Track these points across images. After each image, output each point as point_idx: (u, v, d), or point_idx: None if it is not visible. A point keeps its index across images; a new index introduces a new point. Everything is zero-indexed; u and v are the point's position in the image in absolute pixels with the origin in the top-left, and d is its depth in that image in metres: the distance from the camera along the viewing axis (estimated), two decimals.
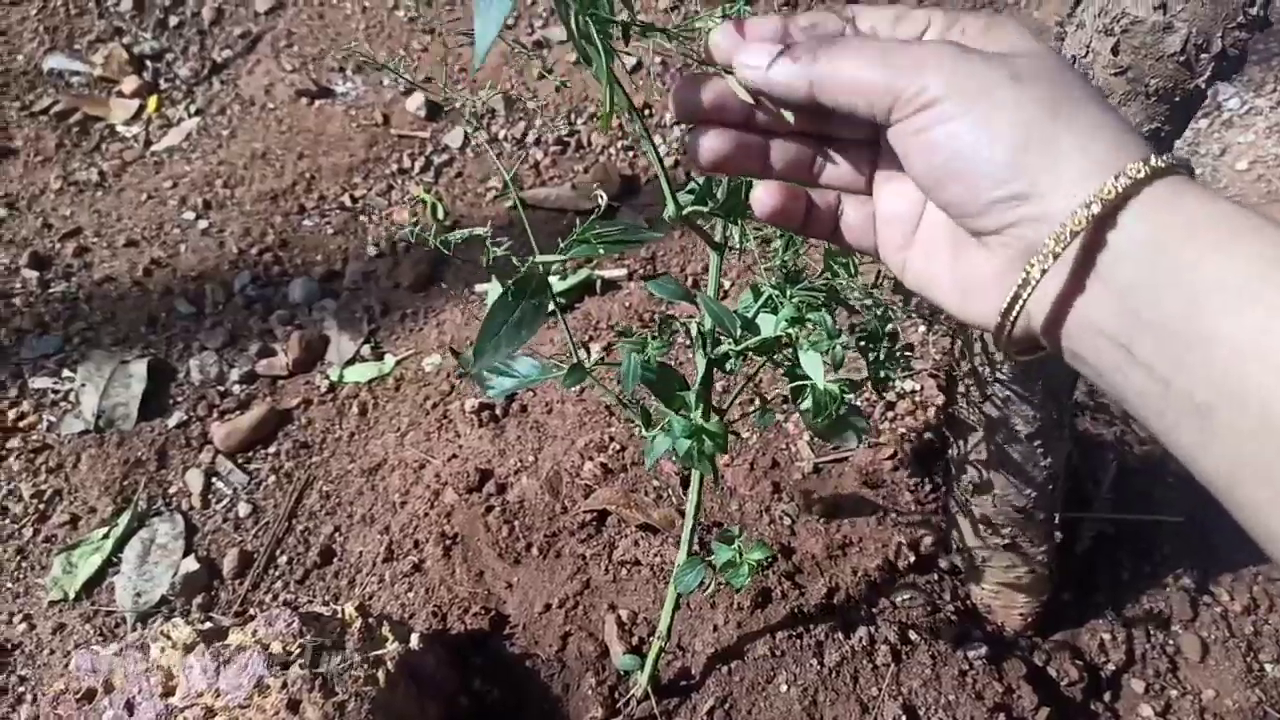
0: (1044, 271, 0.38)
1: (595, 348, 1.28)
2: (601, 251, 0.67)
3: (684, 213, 0.64)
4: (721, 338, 0.69)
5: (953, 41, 0.41)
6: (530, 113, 1.67)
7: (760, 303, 0.70)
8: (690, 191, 0.66)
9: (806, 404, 0.68)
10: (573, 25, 0.53)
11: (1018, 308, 0.39)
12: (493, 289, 1.41)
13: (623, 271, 1.42)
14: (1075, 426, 1.04)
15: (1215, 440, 0.35)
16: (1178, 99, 0.52)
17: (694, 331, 0.72)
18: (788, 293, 0.68)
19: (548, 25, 1.81)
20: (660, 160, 0.60)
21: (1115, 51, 0.51)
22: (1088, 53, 0.53)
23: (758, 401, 1.03)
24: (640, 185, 1.59)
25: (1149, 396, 0.36)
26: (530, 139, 1.62)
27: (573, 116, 1.66)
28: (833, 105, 0.41)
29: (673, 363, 1.03)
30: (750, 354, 0.69)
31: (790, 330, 0.66)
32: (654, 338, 0.69)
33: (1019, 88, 0.38)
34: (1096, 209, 0.36)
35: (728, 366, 0.71)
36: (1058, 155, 0.37)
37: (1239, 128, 1.61)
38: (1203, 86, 0.51)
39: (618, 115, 0.54)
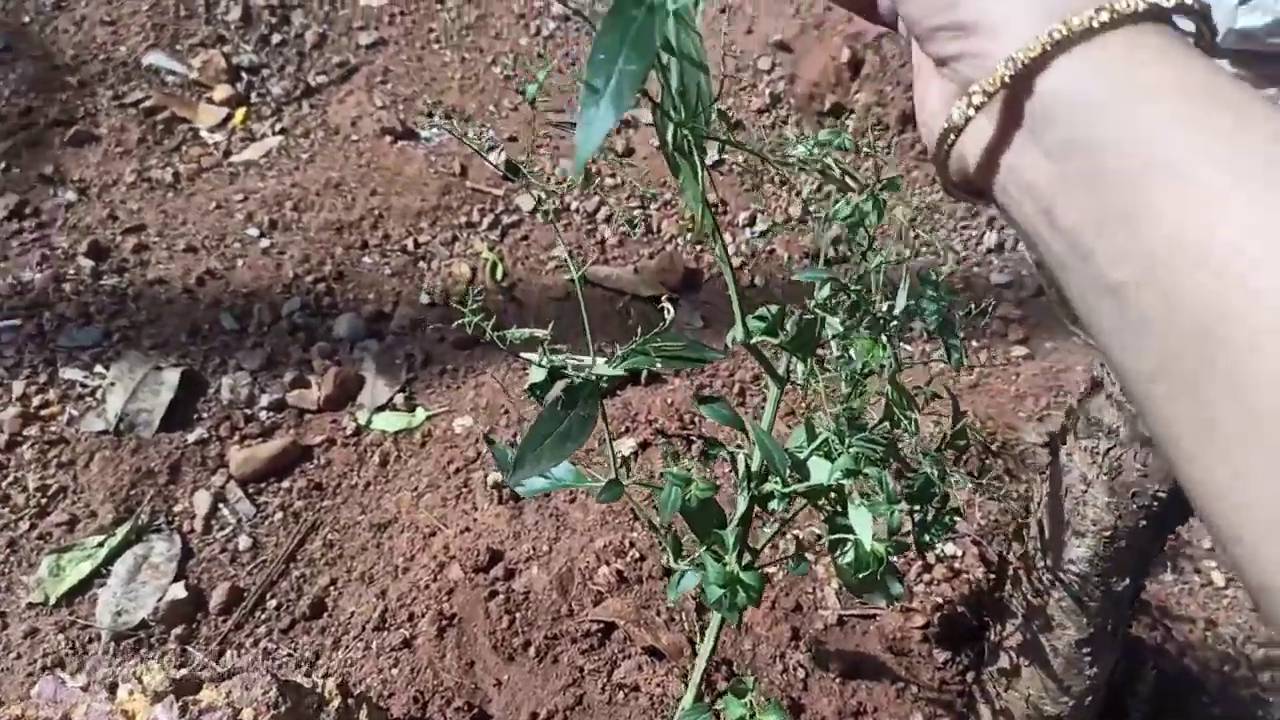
0: (967, 118, 0.34)
1: (630, 442, 1.24)
2: (659, 365, 0.64)
3: (752, 341, 0.61)
4: (768, 475, 0.65)
5: None
6: (605, 190, 1.66)
7: (815, 445, 0.66)
8: (760, 318, 0.63)
9: (846, 558, 0.64)
10: (669, 138, 0.51)
11: (945, 146, 0.35)
12: (536, 366, 1.38)
13: (656, 368, 1.39)
14: (1128, 635, 0.98)
15: (1133, 333, 0.30)
16: None
17: (740, 466, 0.69)
18: (845, 439, 0.64)
19: (638, 104, 1.81)
20: (735, 282, 0.57)
21: None
22: None
23: (792, 542, 0.99)
24: (702, 281, 1.56)
25: (1070, 271, 0.32)
26: (601, 215, 1.61)
27: (646, 201, 1.65)
28: None
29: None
30: (792, 498, 0.66)
31: (844, 481, 0.63)
32: (699, 459, 0.65)
33: None
34: (1024, 57, 0.31)
35: (770, 506, 0.67)
36: None
37: None
38: None
39: (704, 233, 0.51)
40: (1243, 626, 1.15)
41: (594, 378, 0.60)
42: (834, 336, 0.62)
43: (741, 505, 0.67)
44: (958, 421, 0.70)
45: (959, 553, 1.04)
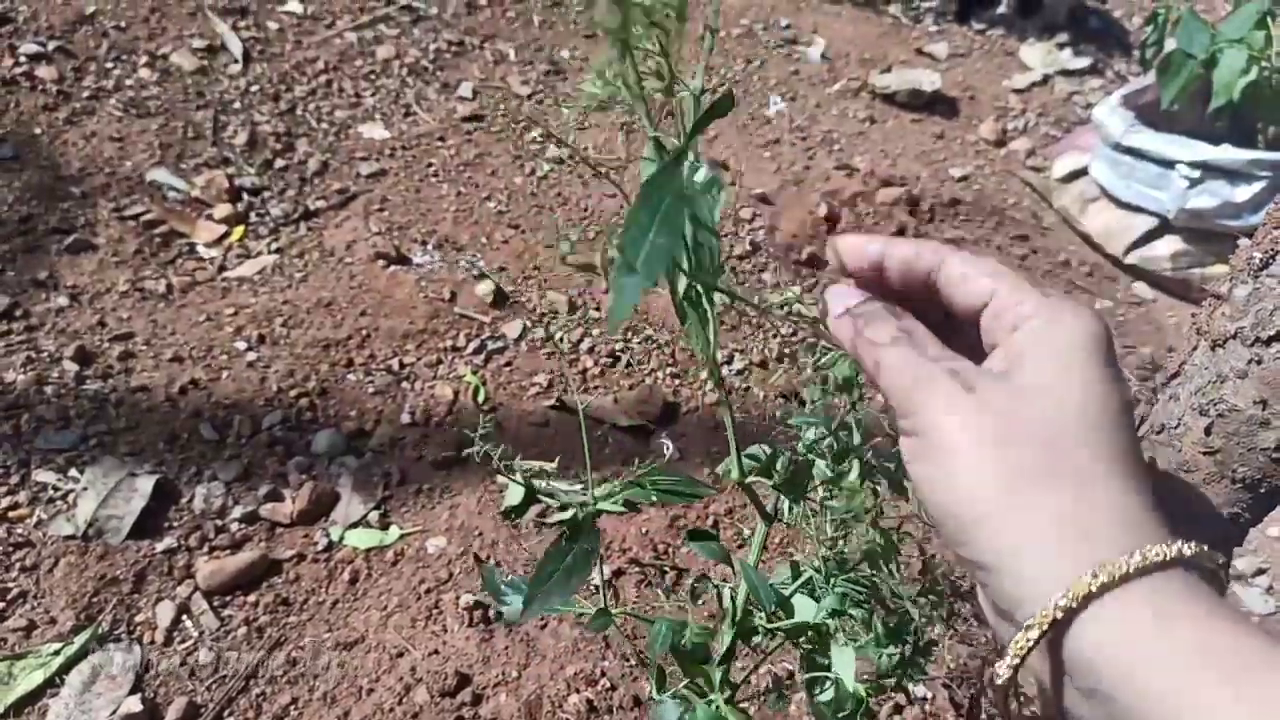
0: (1013, 674, 0.36)
1: (605, 570, 1.25)
2: (654, 499, 0.67)
3: (745, 481, 0.64)
4: (754, 612, 0.67)
5: (961, 370, 0.40)
6: (590, 322, 1.71)
7: (798, 584, 0.68)
8: (752, 458, 0.65)
9: (824, 696, 0.65)
10: (679, 288, 0.55)
11: (1009, 698, 0.38)
12: (513, 487, 1.39)
13: (648, 501, 1.40)
14: None
15: None
16: (1264, 490, 0.52)
17: (725, 601, 0.70)
18: (830, 579, 0.66)
19: None
20: (732, 419, 0.60)
21: (1207, 432, 0.52)
22: (1179, 425, 0.54)
23: (766, 678, 0.99)
24: (680, 414, 1.60)
25: None
26: (584, 346, 1.66)
27: (629, 334, 1.70)
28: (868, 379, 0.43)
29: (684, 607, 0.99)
30: (777, 634, 0.67)
31: (828, 621, 0.64)
32: (689, 596, 0.67)
33: (995, 451, 0.36)
34: (1049, 618, 0.34)
35: (753, 641, 0.68)
36: (1021, 539, 0.35)
37: None
38: None
39: (710, 376, 0.55)
40: None
41: (594, 510, 0.62)
42: (822, 482, 0.64)
43: (726, 640, 0.68)
44: (928, 568, 0.72)
45: (930, 695, 1.04)
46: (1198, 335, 0.53)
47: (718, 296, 0.52)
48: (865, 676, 0.61)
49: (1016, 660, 0.35)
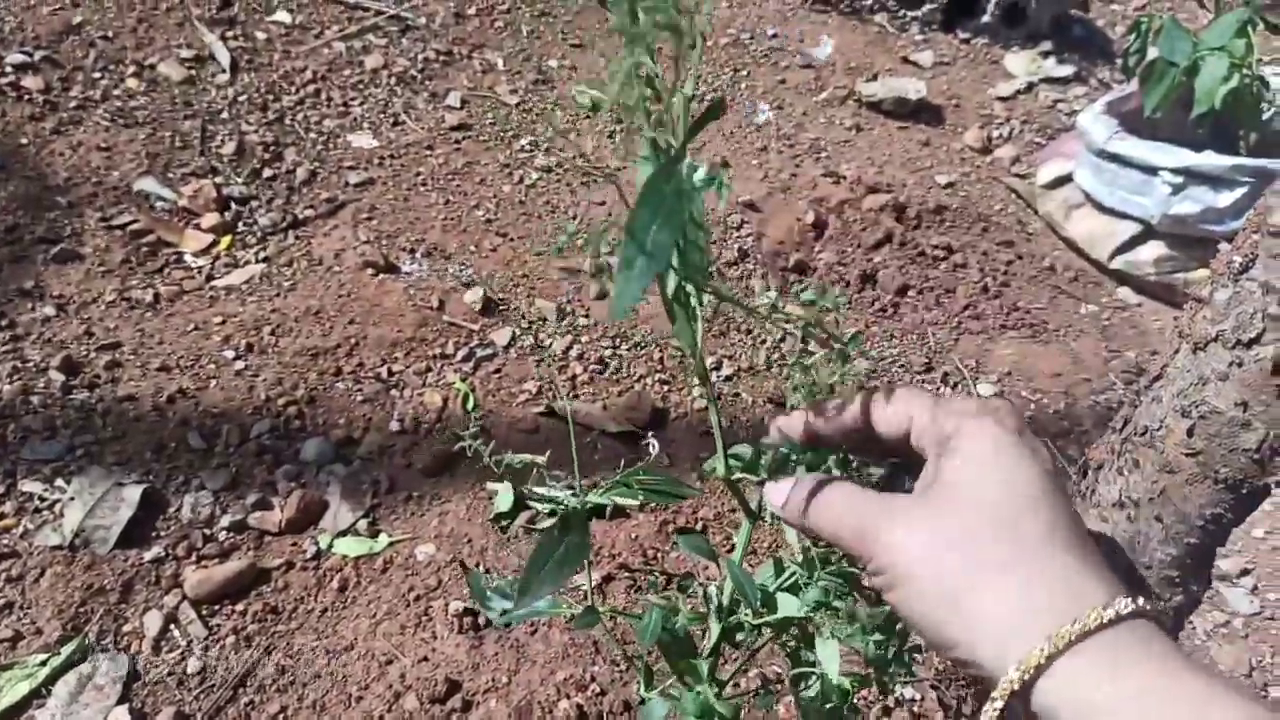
0: None
1: (594, 575, 1.25)
2: (641, 498, 0.67)
3: (731, 477, 0.64)
4: (739, 609, 0.67)
5: (899, 500, 0.46)
6: (578, 329, 1.71)
7: (782, 580, 0.69)
8: (737, 457, 0.66)
9: (810, 692, 0.65)
10: (670, 288, 0.55)
11: None
12: (502, 491, 1.40)
13: (635, 501, 1.41)
14: None
15: None
16: (1245, 491, 0.53)
17: (712, 596, 0.70)
18: (813, 573, 0.67)
19: (613, 252, 1.89)
20: (718, 418, 0.61)
21: (1190, 434, 0.52)
22: (1161, 427, 0.55)
23: (755, 680, 0.99)
24: (669, 419, 1.60)
25: None
26: (573, 354, 1.66)
27: (618, 340, 1.71)
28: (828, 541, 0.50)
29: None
30: (761, 630, 0.67)
31: (812, 614, 0.65)
32: (676, 591, 0.67)
33: (948, 556, 0.42)
34: (1005, 691, 0.39)
35: (738, 638, 0.68)
36: (980, 627, 0.40)
37: None
38: (1272, 485, 0.52)
39: (696, 372, 0.55)
40: None
41: (584, 504, 0.63)
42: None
43: (713, 636, 0.68)
44: None
45: (918, 696, 1.05)
46: (1180, 338, 0.54)
47: (706, 297, 0.53)
48: (850, 671, 0.61)
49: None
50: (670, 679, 0.66)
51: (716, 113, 0.44)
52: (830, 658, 0.63)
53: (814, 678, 0.63)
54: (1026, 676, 0.38)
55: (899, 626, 0.72)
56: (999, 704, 0.39)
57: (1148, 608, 0.39)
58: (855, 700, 0.74)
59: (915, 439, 0.48)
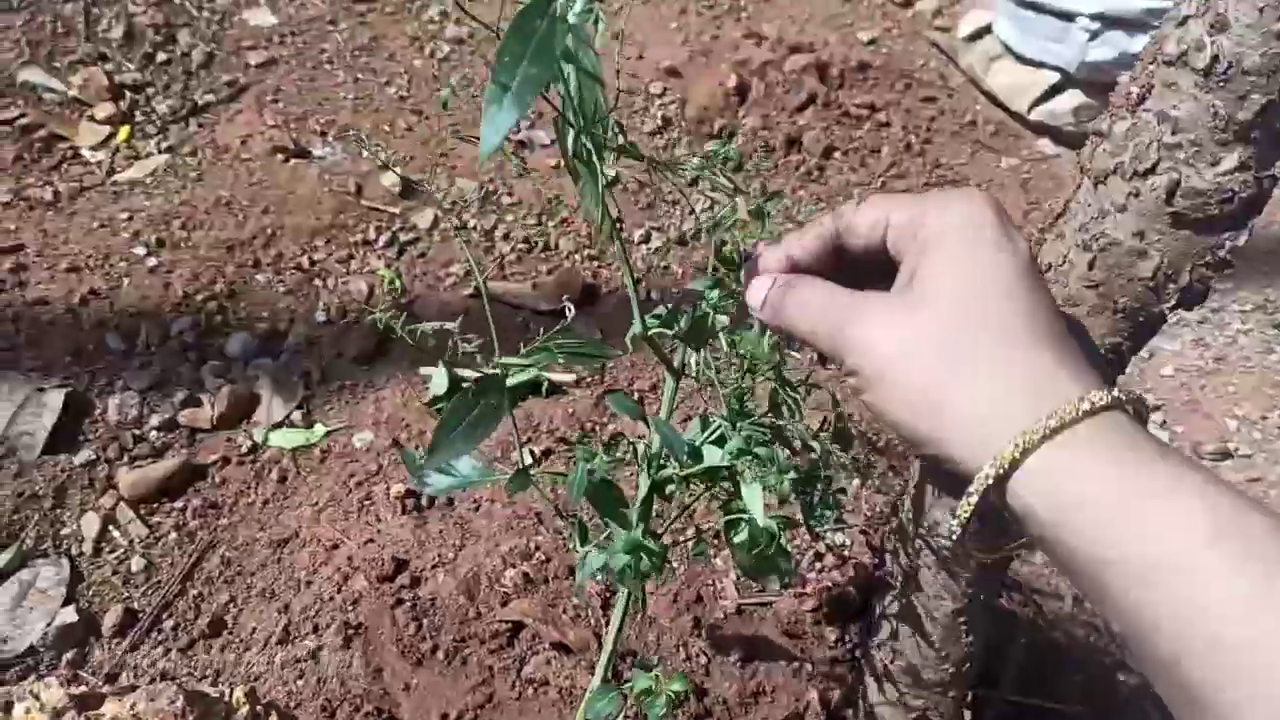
0: (966, 518, 0.42)
1: (533, 450, 1.27)
2: (561, 361, 0.68)
3: (649, 334, 0.65)
4: (667, 461, 0.69)
5: (874, 297, 0.45)
6: (503, 208, 1.68)
7: (708, 434, 0.70)
8: (656, 316, 0.67)
9: (740, 537, 0.68)
10: (569, 146, 0.54)
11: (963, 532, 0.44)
12: (437, 374, 1.39)
13: (570, 377, 1.42)
14: (1000, 610, 1.06)
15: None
16: (1142, 319, 0.55)
17: (641, 452, 0.72)
18: (736, 425, 0.68)
19: (534, 126, 1.85)
20: (632, 278, 0.61)
21: (1090, 266, 0.54)
22: (1064, 261, 0.56)
23: (692, 533, 1.03)
24: (600, 294, 1.60)
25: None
26: (499, 233, 1.64)
27: (544, 218, 1.68)
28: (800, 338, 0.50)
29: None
30: (691, 482, 0.69)
31: (735, 462, 0.67)
32: (605, 453, 0.69)
33: (911, 359, 0.42)
34: (980, 486, 0.40)
35: (668, 490, 0.70)
36: (955, 424, 0.41)
37: (1167, 335, 1.70)
38: (1166, 312, 0.54)
39: (604, 237, 0.55)
40: None
41: (500, 370, 0.63)
42: (722, 329, 0.66)
43: (643, 488, 0.70)
44: (837, 408, 0.75)
45: (848, 541, 1.10)
46: (1081, 173, 0.55)
47: (634, 173, 0.52)
48: (778, 515, 0.64)
49: (964, 516, 0.42)
50: (607, 534, 0.68)
51: None
52: (755, 500, 0.65)
53: (743, 523, 0.66)
54: (1000, 471, 0.38)
55: (821, 471, 0.75)
56: (974, 498, 0.40)
57: (1122, 398, 0.40)
58: (787, 546, 0.77)
59: (892, 242, 0.46)
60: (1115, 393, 0.39)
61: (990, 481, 0.39)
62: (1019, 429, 0.38)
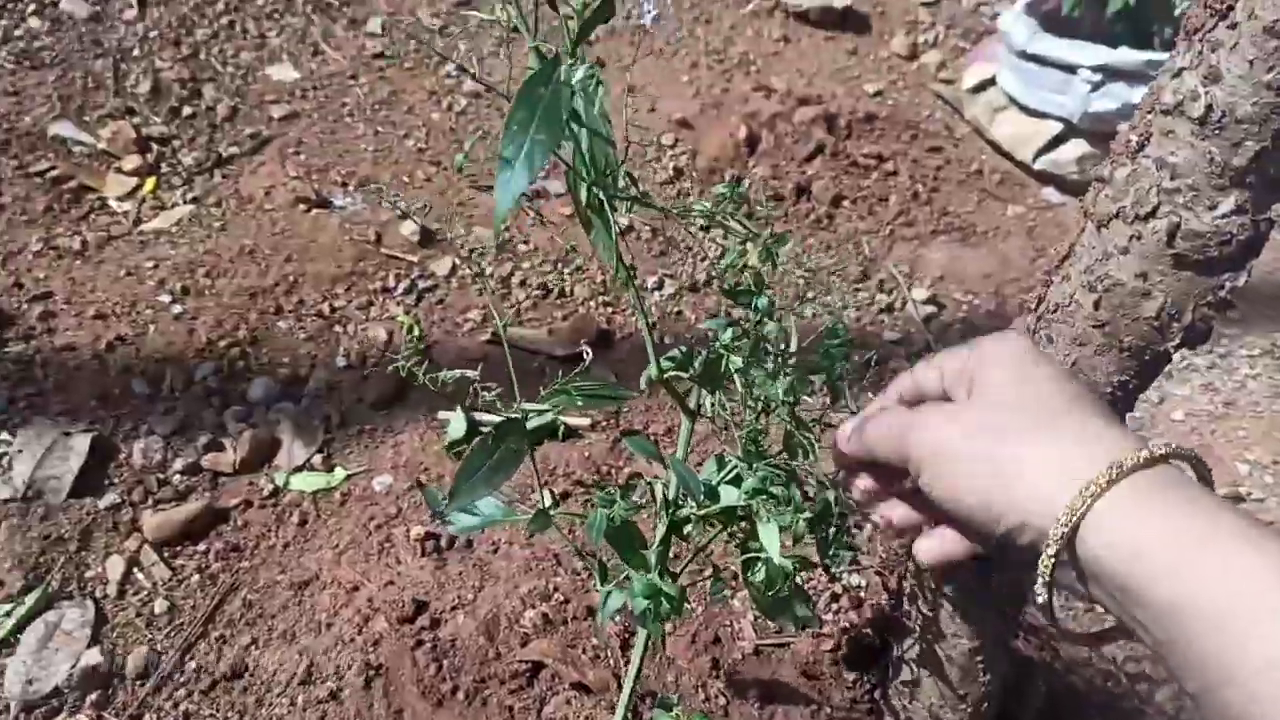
0: (1048, 584, 0.44)
1: (551, 492, 1.28)
2: (579, 404, 0.70)
3: (664, 376, 0.67)
4: (685, 502, 0.71)
5: (934, 404, 0.52)
6: (519, 255, 1.72)
7: (724, 474, 0.72)
8: (670, 359, 0.69)
9: (757, 576, 0.69)
10: (582, 196, 0.57)
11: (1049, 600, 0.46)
12: (455, 419, 1.41)
13: (586, 421, 1.44)
14: (1018, 653, 1.06)
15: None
16: (1148, 357, 0.57)
17: (658, 493, 0.74)
18: (752, 464, 0.70)
19: (548, 176, 1.89)
20: (648, 322, 0.63)
21: (1096, 306, 0.56)
22: (1070, 302, 0.58)
23: (710, 572, 1.04)
24: (615, 340, 1.63)
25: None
26: (515, 280, 1.67)
27: (559, 265, 1.72)
28: (884, 460, 0.54)
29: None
30: (709, 522, 0.71)
31: (752, 502, 0.68)
32: (622, 496, 0.70)
33: (975, 440, 0.46)
34: (1057, 536, 0.42)
35: (686, 531, 0.72)
36: (1028, 493, 0.44)
37: (1176, 380, 1.72)
38: (1171, 350, 0.56)
39: (619, 283, 0.58)
40: (1122, 646, 1.24)
41: (524, 414, 0.65)
42: (736, 371, 0.68)
43: (661, 529, 0.72)
44: None
45: (864, 582, 1.11)
46: (1085, 217, 0.58)
47: (647, 222, 0.54)
48: (794, 555, 0.65)
49: (1046, 573, 0.43)
50: (625, 574, 0.70)
51: (603, 15, 0.45)
52: (771, 539, 0.66)
53: (759, 563, 0.67)
54: (1073, 520, 0.41)
55: (836, 508, 0.76)
56: (1052, 551, 0.42)
57: (1182, 450, 0.43)
58: (804, 586, 0.79)
59: (949, 385, 0.52)
60: (1174, 444, 0.43)
61: (1065, 531, 0.41)
62: (1084, 479, 0.41)
